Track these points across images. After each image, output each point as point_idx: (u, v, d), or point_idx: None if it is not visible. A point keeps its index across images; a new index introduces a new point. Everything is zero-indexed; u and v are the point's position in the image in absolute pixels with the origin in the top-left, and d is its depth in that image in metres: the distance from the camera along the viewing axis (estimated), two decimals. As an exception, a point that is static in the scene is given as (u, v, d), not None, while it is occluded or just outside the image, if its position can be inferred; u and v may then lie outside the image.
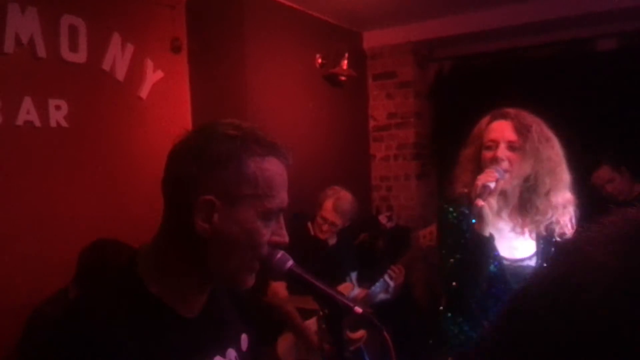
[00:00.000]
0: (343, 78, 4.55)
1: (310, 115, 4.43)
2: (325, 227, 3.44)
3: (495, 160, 1.87)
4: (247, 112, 3.85)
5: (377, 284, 3.43)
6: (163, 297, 1.02)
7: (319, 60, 4.44)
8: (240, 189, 1.00)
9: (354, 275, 3.65)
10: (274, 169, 1.04)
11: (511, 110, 1.94)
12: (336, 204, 3.42)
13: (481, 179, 1.84)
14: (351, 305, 1.05)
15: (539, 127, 1.92)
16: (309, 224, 3.51)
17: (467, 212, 1.93)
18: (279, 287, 3.08)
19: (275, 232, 1.06)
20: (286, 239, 1.07)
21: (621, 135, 4.12)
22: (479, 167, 1.93)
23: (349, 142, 4.87)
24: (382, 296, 3.43)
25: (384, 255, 4.24)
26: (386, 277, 3.43)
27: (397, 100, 5.04)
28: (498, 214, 1.93)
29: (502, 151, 1.87)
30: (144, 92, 3.40)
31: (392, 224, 4.66)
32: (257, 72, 3.90)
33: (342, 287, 3.46)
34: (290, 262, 1.10)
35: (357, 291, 3.53)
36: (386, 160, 5.12)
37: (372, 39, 5.02)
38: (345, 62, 4.52)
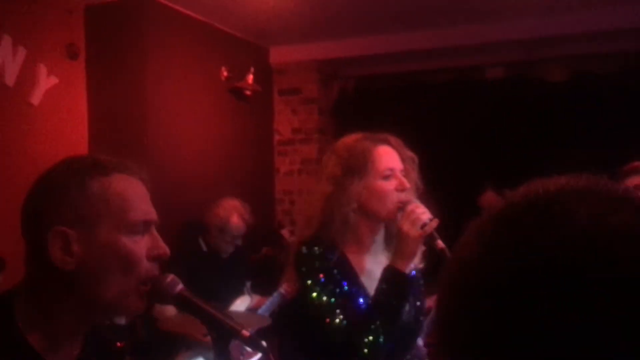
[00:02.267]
0: (248, 92, 4.57)
1: (214, 127, 4.40)
2: (237, 241, 3.46)
3: (403, 190, 1.67)
4: (147, 122, 3.77)
5: (274, 295, 3.46)
6: (39, 347, 0.95)
7: (225, 74, 4.43)
8: (90, 211, 0.96)
9: (248, 284, 3.64)
10: (122, 184, 1.00)
11: (388, 136, 1.77)
12: (243, 218, 3.44)
13: (426, 215, 1.62)
14: (239, 328, 1.06)
15: (412, 154, 1.79)
16: (200, 239, 3.46)
17: (330, 256, 1.67)
18: (167, 309, 3.01)
19: (153, 246, 1.02)
20: (166, 250, 1.04)
21: (504, 159, 4.41)
22: (360, 197, 1.68)
23: (254, 156, 4.88)
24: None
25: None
26: (281, 290, 3.47)
27: (302, 116, 5.12)
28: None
29: (403, 179, 1.69)
30: (35, 99, 3.23)
31: (294, 238, 4.71)
32: (159, 82, 3.82)
33: (239, 301, 3.46)
34: (180, 286, 1.10)
35: (254, 300, 3.53)
36: (290, 175, 5.17)
37: (278, 55, 5.08)
38: (251, 76, 4.54)
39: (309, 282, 1.66)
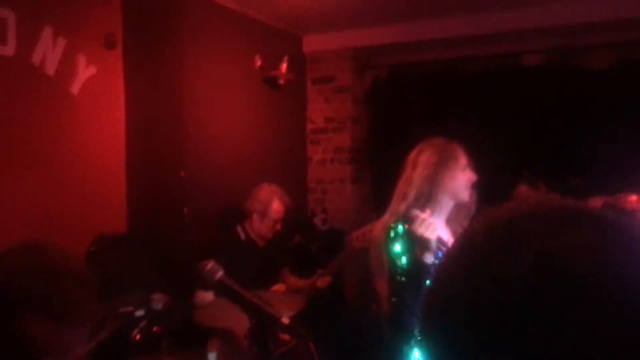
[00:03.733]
0: (282, 81, 4.57)
1: (249, 116, 4.43)
2: (277, 226, 3.49)
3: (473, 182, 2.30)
4: (183, 112, 3.81)
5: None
6: None
7: (258, 63, 4.44)
8: None
9: (286, 270, 3.67)
10: None
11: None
12: (283, 201, 3.47)
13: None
14: (278, 316, 1.08)
15: None
16: (238, 228, 3.49)
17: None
18: (207, 297, 3.06)
19: None
20: None
21: (542, 150, 4.32)
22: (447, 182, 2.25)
23: (287, 144, 4.90)
24: None
25: (318, 257, 4.30)
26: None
27: (335, 104, 5.11)
28: None
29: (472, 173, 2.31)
30: (75, 88, 3.29)
31: (326, 227, 4.73)
32: (195, 72, 3.86)
33: (276, 288, 3.48)
34: (220, 273, 1.12)
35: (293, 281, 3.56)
36: (322, 164, 5.18)
37: (312, 43, 5.07)
38: (285, 65, 4.54)
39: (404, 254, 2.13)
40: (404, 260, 2.12)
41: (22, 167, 3.01)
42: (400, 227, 2.16)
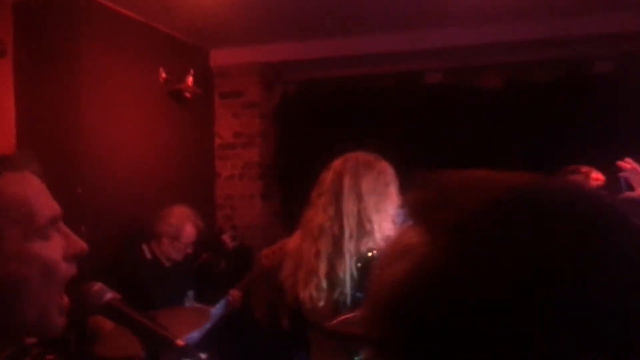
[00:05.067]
0: (188, 95, 4.46)
1: (152, 130, 4.26)
2: (188, 250, 3.41)
3: None
4: (81, 125, 3.60)
5: (219, 305, 3.39)
6: None
7: (163, 75, 4.30)
8: None
9: (190, 293, 3.57)
10: (17, 184, 0.88)
11: None
12: (196, 225, 3.41)
13: None
14: (172, 338, 1.01)
15: None
16: (144, 247, 3.36)
17: None
18: (102, 320, 2.90)
19: (67, 245, 0.90)
20: (83, 245, 0.92)
21: (441, 163, 4.49)
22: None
23: (194, 160, 4.77)
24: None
25: (226, 275, 4.20)
26: (229, 297, 3.43)
27: (243, 119, 5.05)
28: None
29: None
30: (-43, 98, 3.04)
31: (235, 244, 4.63)
32: (93, 83, 3.66)
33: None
34: (109, 294, 1.03)
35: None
36: (231, 179, 5.09)
37: (219, 57, 4.99)
38: (191, 78, 4.44)
39: None
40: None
41: None
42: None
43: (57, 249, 0.89)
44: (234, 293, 3.47)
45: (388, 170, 2.09)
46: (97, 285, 1.02)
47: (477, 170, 0.51)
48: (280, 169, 5.19)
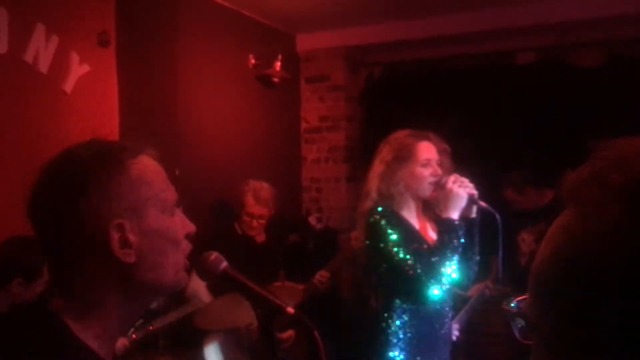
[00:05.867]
0: (276, 79, 4.56)
1: (242, 114, 4.41)
2: (254, 223, 3.43)
3: (436, 177, 2.24)
4: (177, 110, 3.79)
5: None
6: (100, 351, 0.92)
7: (252, 61, 4.43)
8: (136, 197, 0.94)
9: (281, 273, 3.66)
10: (152, 164, 1.00)
11: (429, 133, 2.31)
12: (256, 196, 3.40)
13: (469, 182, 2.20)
14: (283, 305, 1.06)
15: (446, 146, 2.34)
16: (235, 224, 3.49)
17: (394, 220, 2.22)
18: (200, 288, 3.04)
19: (184, 224, 1.01)
20: (193, 227, 1.03)
21: (535, 147, 4.30)
22: (405, 178, 2.24)
23: (281, 143, 4.88)
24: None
25: (313, 256, 4.28)
26: (315, 280, 3.49)
27: (329, 103, 5.10)
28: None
29: (437, 168, 2.25)
30: (68, 86, 3.26)
31: (321, 226, 4.71)
32: (189, 70, 3.84)
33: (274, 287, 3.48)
34: (225, 263, 1.11)
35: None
36: (317, 163, 5.16)
37: (305, 42, 5.06)
38: (279, 63, 4.53)
39: (382, 244, 2.17)
40: (397, 247, 2.15)
41: (14, 165, 2.97)
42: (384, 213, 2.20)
43: (179, 226, 1.00)
44: (322, 274, 3.53)
45: (407, 143, 2.29)
46: (214, 255, 1.10)
47: None
48: (366, 152, 5.20)
